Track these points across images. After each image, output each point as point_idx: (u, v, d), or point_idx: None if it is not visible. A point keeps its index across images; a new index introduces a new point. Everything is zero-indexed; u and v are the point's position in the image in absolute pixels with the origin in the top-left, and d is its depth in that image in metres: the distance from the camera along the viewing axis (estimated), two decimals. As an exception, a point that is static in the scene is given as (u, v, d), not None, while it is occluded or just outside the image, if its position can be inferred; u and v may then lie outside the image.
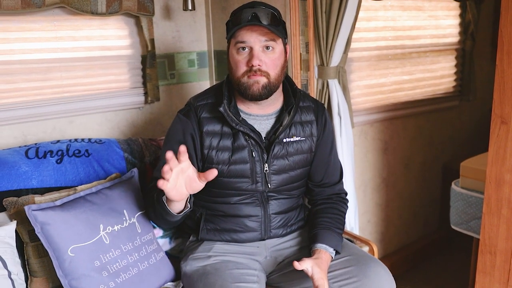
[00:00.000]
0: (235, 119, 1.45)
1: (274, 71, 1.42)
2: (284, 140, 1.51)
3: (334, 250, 1.48)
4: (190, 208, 1.40)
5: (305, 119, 1.56)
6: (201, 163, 1.52)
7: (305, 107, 1.57)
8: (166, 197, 1.32)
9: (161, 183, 1.22)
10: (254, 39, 1.39)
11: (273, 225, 1.58)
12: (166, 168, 1.21)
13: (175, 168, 1.23)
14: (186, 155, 1.25)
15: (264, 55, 1.40)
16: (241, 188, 1.52)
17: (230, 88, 1.51)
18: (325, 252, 1.45)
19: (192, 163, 1.45)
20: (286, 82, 1.56)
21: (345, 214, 1.65)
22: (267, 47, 1.41)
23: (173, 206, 1.36)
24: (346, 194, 1.69)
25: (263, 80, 1.41)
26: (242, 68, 1.42)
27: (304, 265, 1.35)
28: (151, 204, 1.48)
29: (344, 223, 1.62)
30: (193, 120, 1.50)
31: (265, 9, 1.40)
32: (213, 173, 1.24)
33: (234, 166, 1.49)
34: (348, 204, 1.70)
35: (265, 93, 1.43)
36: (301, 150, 1.55)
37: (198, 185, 1.28)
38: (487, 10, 2.96)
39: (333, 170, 1.65)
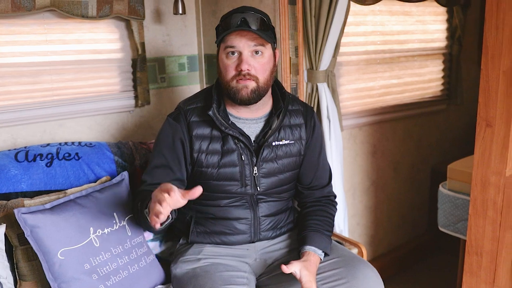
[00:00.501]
0: (224, 123, 1.47)
1: (263, 75, 1.44)
2: (273, 144, 1.53)
3: (323, 252, 1.50)
4: (172, 219, 1.39)
5: (294, 123, 1.58)
6: (191, 167, 1.53)
7: (294, 111, 1.59)
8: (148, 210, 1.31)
9: (154, 222, 1.24)
10: (243, 44, 1.41)
11: (263, 228, 1.59)
12: (159, 210, 1.20)
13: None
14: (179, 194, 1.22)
15: (253, 60, 1.42)
16: (230, 191, 1.53)
17: (220, 92, 1.52)
18: (313, 254, 1.47)
19: (181, 167, 1.48)
20: (275, 86, 1.59)
21: (334, 216, 1.66)
22: (256, 52, 1.42)
23: None
24: (335, 196, 1.71)
25: (252, 84, 1.43)
26: (231, 73, 1.43)
27: (292, 268, 1.36)
28: (135, 211, 1.49)
29: (333, 225, 1.63)
30: (183, 124, 1.50)
31: (254, 14, 1.42)
32: (197, 191, 1.22)
33: (224, 169, 1.50)
34: (337, 207, 1.72)
35: (254, 97, 1.45)
36: (290, 153, 1.56)
37: (181, 202, 1.24)
38: (473, 15, 3.01)
39: (322, 173, 1.66)
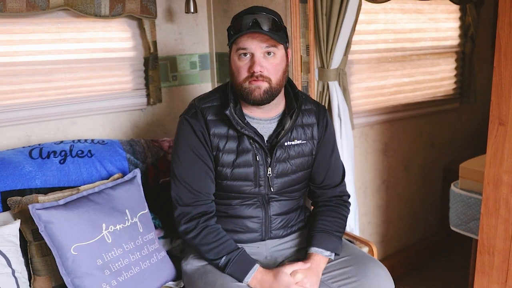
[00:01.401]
0: (241, 122, 1.46)
1: (275, 76, 1.43)
2: (286, 144, 1.52)
3: (332, 252, 1.50)
4: None
5: (307, 122, 1.57)
6: (213, 164, 1.52)
7: (306, 110, 1.58)
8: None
9: None
10: (255, 46, 1.40)
11: (274, 226, 1.60)
12: None
13: None
14: None
15: (265, 61, 1.41)
16: (244, 191, 1.53)
17: (234, 92, 1.51)
18: (318, 255, 1.48)
19: (207, 163, 1.49)
20: (288, 86, 1.57)
21: (346, 217, 1.65)
22: (268, 53, 1.41)
23: None
24: (348, 196, 1.70)
25: (264, 85, 1.42)
26: (244, 74, 1.43)
27: (296, 278, 1.39)
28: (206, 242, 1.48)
29: (344, 226, 1.62)
30: (201, 121, 1.50)
31: (265, 15, 1.41)
32: None
33: (238, 170, 1.50)
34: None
35: (267, 98, 1.44)
36: (302, 153, 1.56)
37: None
38: (487, 13, 2.98)
39: (334, 172, 1.65)
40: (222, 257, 1.44)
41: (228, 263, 1.43)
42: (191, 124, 1.49)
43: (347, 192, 1.70)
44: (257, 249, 1.60)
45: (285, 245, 1.63)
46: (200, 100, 1.55)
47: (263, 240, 1.60)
